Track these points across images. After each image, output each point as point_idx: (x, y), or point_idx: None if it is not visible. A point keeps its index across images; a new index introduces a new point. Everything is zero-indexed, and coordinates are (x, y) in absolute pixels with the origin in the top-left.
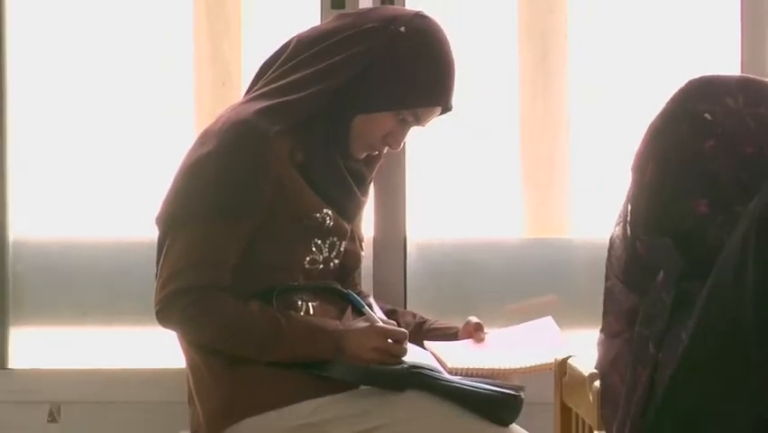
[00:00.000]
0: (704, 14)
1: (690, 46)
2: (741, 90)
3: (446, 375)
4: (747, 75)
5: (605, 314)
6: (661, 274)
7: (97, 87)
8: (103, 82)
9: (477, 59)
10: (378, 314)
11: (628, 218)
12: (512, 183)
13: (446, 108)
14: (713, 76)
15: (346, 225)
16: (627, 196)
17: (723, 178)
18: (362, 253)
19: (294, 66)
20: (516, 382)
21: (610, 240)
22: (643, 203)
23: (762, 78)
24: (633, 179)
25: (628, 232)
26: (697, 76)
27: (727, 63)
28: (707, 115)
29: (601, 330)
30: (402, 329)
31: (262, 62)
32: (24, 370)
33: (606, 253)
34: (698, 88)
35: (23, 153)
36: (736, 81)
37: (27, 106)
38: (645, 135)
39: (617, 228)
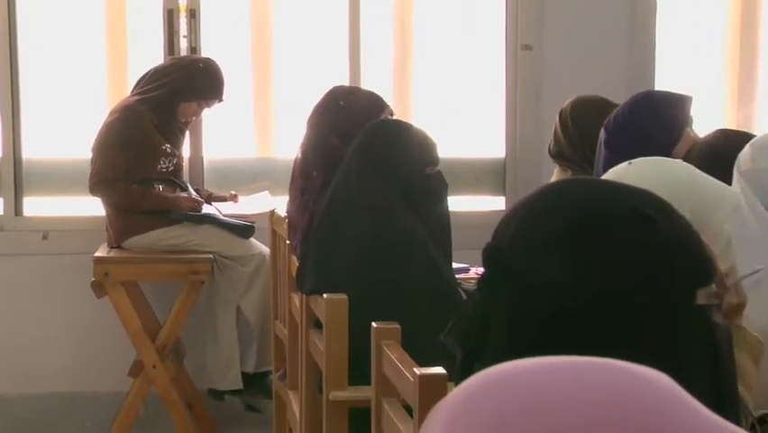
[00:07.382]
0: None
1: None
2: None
3: (221, 217)
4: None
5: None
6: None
7: (82, 64)
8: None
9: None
10: (190, 191)
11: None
12: (249, 130)
13: (221, 100)
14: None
15: (176, 151)
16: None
17: None
18: (183, 164)
19: (151, 81)
20: (253, 220)
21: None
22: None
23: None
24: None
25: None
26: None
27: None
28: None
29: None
30: (201, 198)
31: (138, 78)
32: (31, 217)
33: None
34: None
35: (30, 102)
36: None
37: (34, 74)
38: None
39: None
